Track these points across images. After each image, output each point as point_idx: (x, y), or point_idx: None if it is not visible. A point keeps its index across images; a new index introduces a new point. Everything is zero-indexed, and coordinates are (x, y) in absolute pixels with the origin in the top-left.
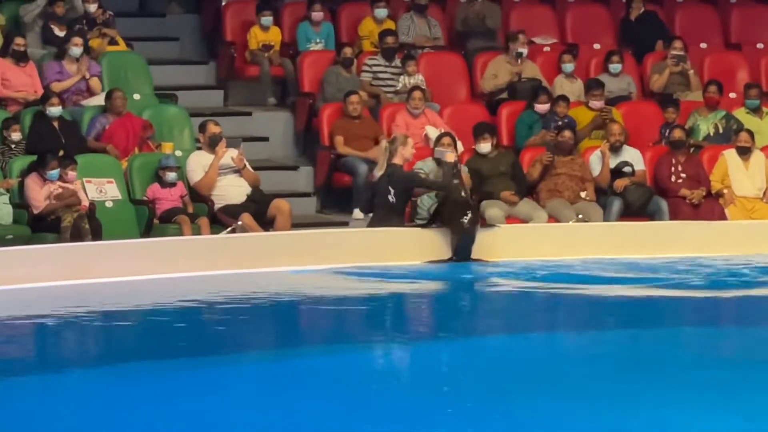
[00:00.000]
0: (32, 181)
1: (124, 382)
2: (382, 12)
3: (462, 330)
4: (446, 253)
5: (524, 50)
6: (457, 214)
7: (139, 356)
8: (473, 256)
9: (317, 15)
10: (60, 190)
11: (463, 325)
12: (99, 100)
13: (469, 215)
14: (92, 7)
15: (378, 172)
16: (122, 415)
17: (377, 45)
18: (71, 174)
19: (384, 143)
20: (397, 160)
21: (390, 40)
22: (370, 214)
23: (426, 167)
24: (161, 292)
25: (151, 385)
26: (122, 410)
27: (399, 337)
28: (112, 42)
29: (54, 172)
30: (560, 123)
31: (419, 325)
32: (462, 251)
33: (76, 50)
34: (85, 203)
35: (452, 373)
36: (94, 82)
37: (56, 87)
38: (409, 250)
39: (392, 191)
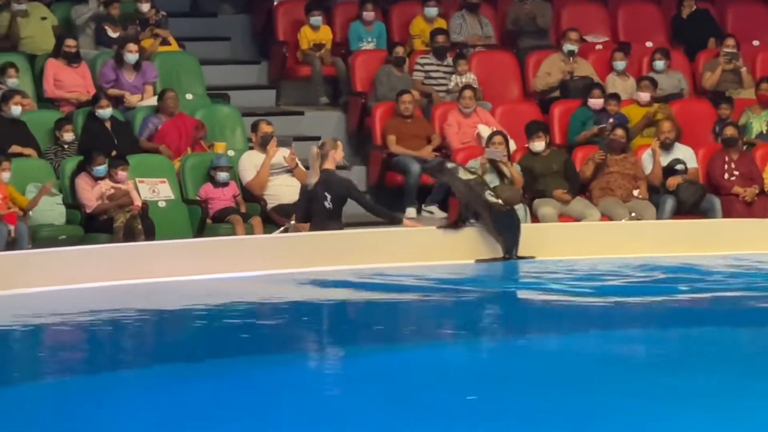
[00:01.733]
0: (82, 181)
1: (178, 382)
2: (432, 11)
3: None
4: (498, 252)
5: (575, 48)
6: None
7: (192, 356)
8: (521, 254)
9: (369, 15)
10: (112, 191)
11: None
12: (151, 100)
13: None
14: (145, 7)
15: (312, 179)
16: (176, 415)
17: (428, 44)
18: (122, 174)
19: (314, 149)
20: (328, 165)
21: (441, 38)
22: (423, 213)
23: (477, 166)
24: (214, 292)
25: (204, 384)
26: (176, 410)
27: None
28: (164, 42)
29: (101, 168)
30: (612, 121)
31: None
32: (507, 250)
33: (131, 56)
34: (138, 203)
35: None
36: (148, 89)
37: (110, 92)
38: (461, 249)
39: (328, 197)
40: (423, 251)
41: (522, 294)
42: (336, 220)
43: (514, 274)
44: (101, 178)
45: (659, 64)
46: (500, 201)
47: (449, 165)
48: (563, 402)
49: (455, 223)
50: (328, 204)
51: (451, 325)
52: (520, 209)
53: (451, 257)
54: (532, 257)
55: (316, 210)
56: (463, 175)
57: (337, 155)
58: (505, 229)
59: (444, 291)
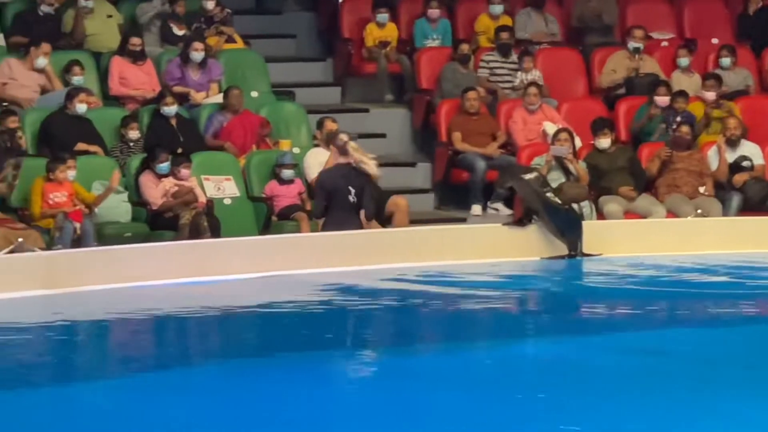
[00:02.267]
0: (146, 179)
1: (244, 378)
2: (497, 8)
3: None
4: (564, 249)
5: (640, 45)
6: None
7: (256, 352)
8: (586, 251)
9: (434, 12)
10: (176, 188)
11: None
12: (216, 98)
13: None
14: (210, 5)
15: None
16: (243, 410)
17: (493, 41)
18: (185, 171)
19: (333, 147)
20: (348, 160)
21: (504, 35)
22: (489, 210)
23: (542, 163)
24: (280, 289)
25: (270, 380)
26: (243, 405)
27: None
28: (230, 40)
29: (164, 165)
30: (679, 118)
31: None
32: (572, 247)
33: (197, 55)
34: (202, 200)
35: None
36: (213, 87)
37: (176, 90)
38: (526, 247)
39: (352, 191)
40: (489, 248)
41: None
42: (357, 214)
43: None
44: (164, 176)
45: (725, 61)
46: (557, 199)
47: (508, 167)
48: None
49: (520, 221)
50: (352, 198)
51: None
52: (586, 206)
53: (517, 254)
54: (598, 254)
55: (339, 204)
56: (525, 174)
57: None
58: (565, 226)
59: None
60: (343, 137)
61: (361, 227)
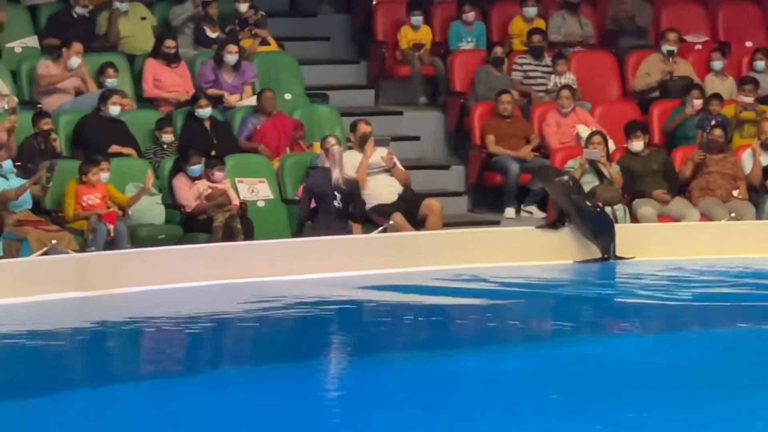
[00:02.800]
0: (180, 182)
1: (277, 382)
2: (531, 10)
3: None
4: (597, 253)
5: (674, 48)
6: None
7: (289, 356)
8: (620, 254)
9: (468, 15)
10: (209, 191)
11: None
12: (250, 100)
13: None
14: (243, 7)
15: (335, 173)
16: (275, 413)
17: (526, 43)
18: (218, 174)
19: (323, 151)
20: (339, 166)
21: (536, 38)
22: (522, 213)
23: (576, 166)
24: (313, 292)
25: (304, 383)
26: (274, 408)
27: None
28: (264, 42)
29: (196, 168)
30: (714, 122)
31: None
32: (604, 250)
33: (231, 58)
34: (236, 202)
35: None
36: (247, 89)
37: (210, 92)
38: (561, 250)
39: (338, 196)
40: (522, 252)
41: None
42: (342, 219)
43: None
44: (197, 178)
45: (760, 64)
46: (588, 202)
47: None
48: None
49: (554, 224)
50: (337, 203)
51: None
52: (619, 209)
53: (551, 258)
54: (631, 257)
55: (325, 209)
56: (557, 176)
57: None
58: (597, 229)
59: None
60: (331, 140)
61: (348, 232)
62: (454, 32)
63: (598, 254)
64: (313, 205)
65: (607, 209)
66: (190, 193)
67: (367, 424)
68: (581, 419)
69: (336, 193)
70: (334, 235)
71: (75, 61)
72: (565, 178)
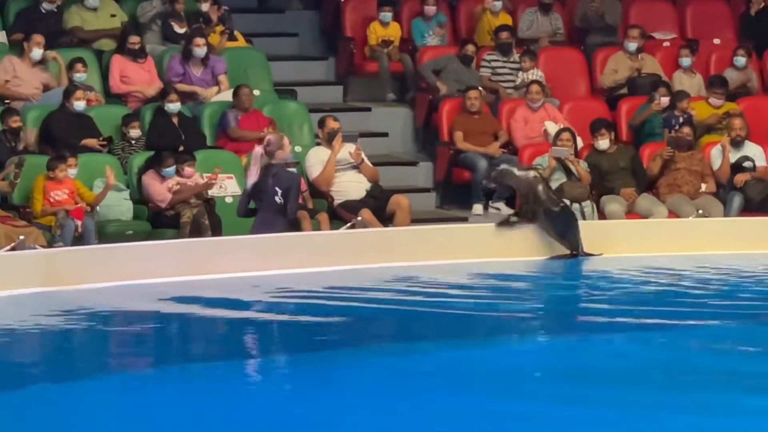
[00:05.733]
0: (150, 178)
1: (245, 378)
2: (497, 4)
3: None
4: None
5: (636, 45)
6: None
7: (258, 352)
8: (587, 250)
9: (430, 9)
10: (178, 186)
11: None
12: (223, 96)
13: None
14: (205, 6)
15: (251, 179)
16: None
17: (494, 39)
18: (188, 170)
19: (258, 149)
20: (275, 161)
21: (504, 35)
22: (490, 210)
23: (544, 163)
24: (281, 288)
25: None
26: (246, 405)
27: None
28: (231, 38)
29: (170, 170)
30: (681, 119)
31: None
32: (573, 247)
33: (199, 51)
34: (212, 184)
35: None
36: (222, 80)
37: (179, 87)
38: (531, 246)
39: (279, 191)
40: (492, 248)
41: None
42: (284, 214)
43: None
44: (170, 178)
45: (741, 60)
46: (553, 197)
47: (502, 167)
48: None
49: (507, 220)
50: (278, 199)
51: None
52: (587, 206)
53: (522, 254)
54: (599, 254)
55: (265, 204)
56: (520, 171)
57: (284, 153)
58: (563, 226)
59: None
60: (270, 138)
61: (289, 229)
62: (416, 29)
63: (565, 251)
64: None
65: (575, 206)
66: (162, 186)
67: None
68: None
69: (277, 188)
70: (276, 232)
71: (37, 52)
72: (531, 173)
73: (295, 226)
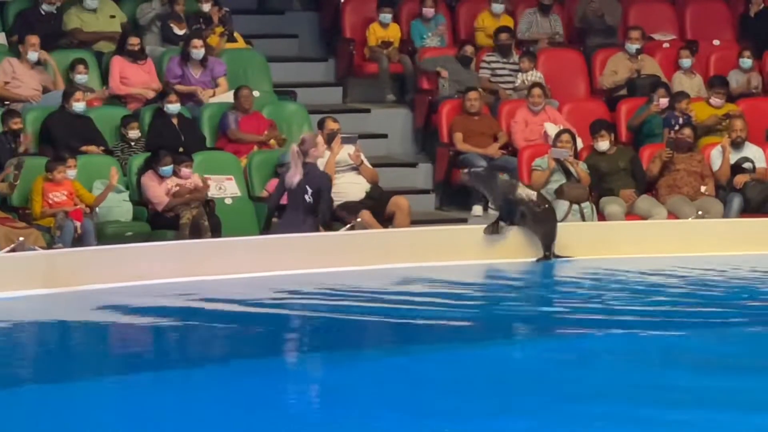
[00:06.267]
0: (149, 179)
1: (246, 378)
2: (498, 7)
3: None
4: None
5: (636, 46)
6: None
7: (259, 353)
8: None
9: (428, 11)
10: (177, 188)
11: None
12: (222, 97)
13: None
14: (206, 6)
15: (296, 177)
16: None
17: (493, 40)
18: (185, 171)
19: (294, 147)
20: (309, 160)
21: (504, 36)
22: (489, 211)
23: (544, 164)
24: (282, 289)
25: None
26: (245, 407)
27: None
28: (230, 39)
29: (167, 168)
30: (681, 120)
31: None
32: (546, 248)
33: (197, 52)
34: (208, 189)
35: None
36: (221, 82)
37: (179, 88)
38: (528, 247)
39: (309, 190)
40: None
41: None
42: (313, 214)
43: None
44: (167, 178)
45: (747, 62)
46: (534, 198)
47: (483, 169)
48: None
49: (494, 226)
50: (308, 198)
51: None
52: (587, 208)
53: (518, 255)
54: (569, 257)
55: (295, 203)
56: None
57: (318, 151)
58: (537, 228)
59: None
60: (305, 137)
61: (316, 229)
62: (415, 30)
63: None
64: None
65: (575, 207)
66: (160, 189)
67: None
68: None
69: (308, 187)
70: (303, 232)
71: (33, 54)
72: (505, 178)
73: (328, 226)
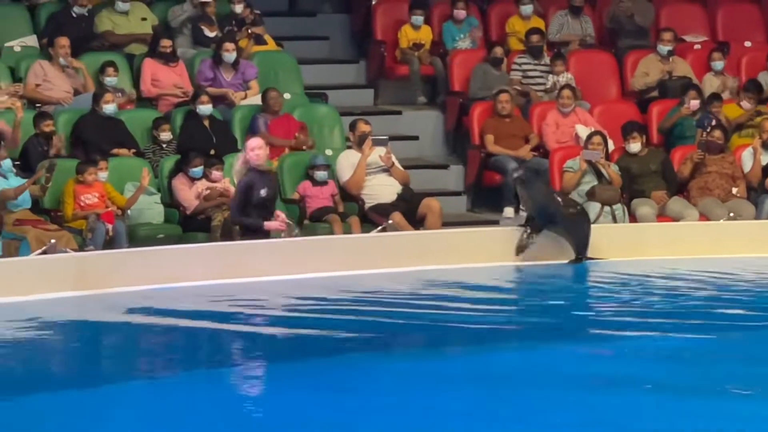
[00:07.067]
0: (179, 182)
1: (276, 382)
2: (527, 9)
3: None
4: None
5: (668, 48)
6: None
7: (289, 356)
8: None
9: (459, 13)
10: (208, 191)
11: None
12: (255, 100)
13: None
14: (238, 8)
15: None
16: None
17: (524, 42)
18: (216, 174)
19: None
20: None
21: (535, 38)
22: (521, 213)
23: (575, 166)
24: (313, 291)
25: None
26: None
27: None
28: (261, 41)
29: (197, 170)
30: (714, 122)
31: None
32: (578, 251)
33: (228, 55)
34: None
35: None
36: (252, 84)
37: (210, 91)
38: (559, 250)
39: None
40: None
41: None
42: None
43: None
44: (198, 179)
45: None
46: (568, 200)
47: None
48: None
49: (524, 243)
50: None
51: None
52: (618, 209)
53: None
54: (600, 259)
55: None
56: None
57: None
58: (570, 230)
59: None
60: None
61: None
62: (447, 32)
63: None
64: None
65: (606, 209)
66: (190, 193)
67: None
68: None
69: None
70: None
71: (63, 57)
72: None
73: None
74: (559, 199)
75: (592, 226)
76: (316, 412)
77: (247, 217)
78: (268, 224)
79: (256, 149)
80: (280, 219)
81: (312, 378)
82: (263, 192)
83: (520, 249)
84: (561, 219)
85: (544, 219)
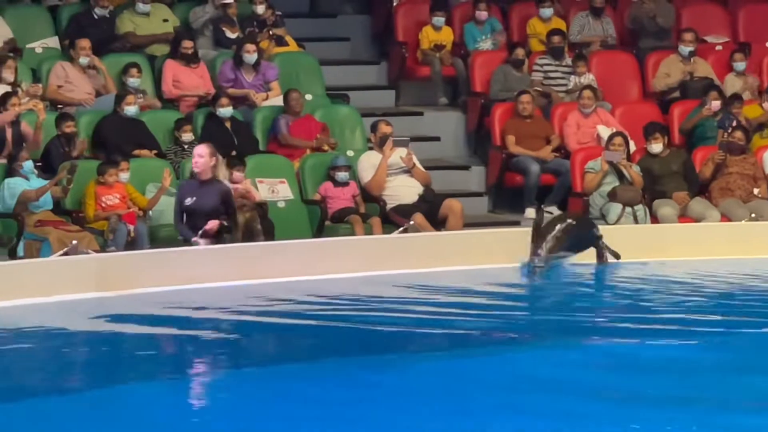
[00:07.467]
0: None
1: (300, 382)
2: (547, 11)
3: None
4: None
5: (689, 49)
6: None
7: (314, 356)
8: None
9: (481, 14)
10: None
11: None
12: (274, 100)
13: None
14: (260, 9)
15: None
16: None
17: (545, 43)
18: (237, 175)
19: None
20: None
21: (556, 39)
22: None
23: (597, 167)
24: (334, 292)
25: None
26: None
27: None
28: (282, 42)
29: None
30: (735, 123)
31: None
32: (610, 251)
33: (249, 57)
34: (258, 199)
35: None
36: (274, 86)
37: (231, 92)
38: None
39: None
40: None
41: None
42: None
43: None
44: None
45: None
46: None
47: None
48: None
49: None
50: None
51: None
52: (639, 210)
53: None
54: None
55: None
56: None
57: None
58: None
59: None
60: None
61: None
62: (468, 34)
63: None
64: None
65: (628, 209)
66: None
67: None
68: None
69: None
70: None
71: (84, 58)
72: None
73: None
74: (560, 222)
75: (614, 227)
76: (347, 408)
77: (181, 223)
78: (195, 239)
79: (196, 156)
80: (208, 228)
81: (342, 376)
82: (188, 201)
83: (534, 275)
84: (565, 236)
85: (574, 248)
